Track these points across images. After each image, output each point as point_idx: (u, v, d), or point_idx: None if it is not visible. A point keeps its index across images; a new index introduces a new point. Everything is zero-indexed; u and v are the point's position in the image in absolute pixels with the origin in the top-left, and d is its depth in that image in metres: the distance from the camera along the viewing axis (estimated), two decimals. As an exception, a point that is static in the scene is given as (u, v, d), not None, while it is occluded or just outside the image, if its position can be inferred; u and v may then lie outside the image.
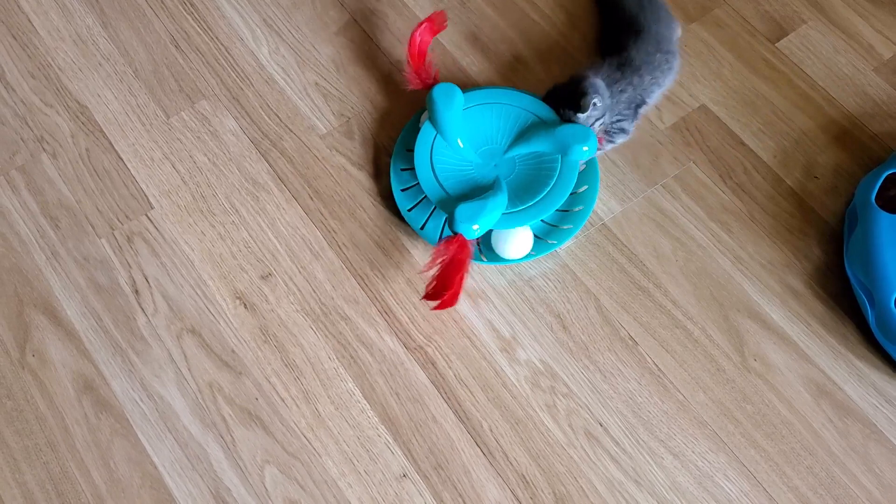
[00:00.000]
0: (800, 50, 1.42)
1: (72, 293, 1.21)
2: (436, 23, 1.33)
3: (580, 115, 1.22)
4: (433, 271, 1.14)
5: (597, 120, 1.23)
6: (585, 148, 1.20)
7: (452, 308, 1.20)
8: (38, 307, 1.20)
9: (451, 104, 1.25)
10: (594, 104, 1.21)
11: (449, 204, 1.20)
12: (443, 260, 1.14)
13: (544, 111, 1.27)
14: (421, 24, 1.30)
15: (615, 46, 1.32)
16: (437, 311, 1.19)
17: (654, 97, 1.32)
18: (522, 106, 1.28)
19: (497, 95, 1.30)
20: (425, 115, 1.30)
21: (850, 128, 1.35)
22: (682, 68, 1.40)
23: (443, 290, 1.13)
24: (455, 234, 1.15)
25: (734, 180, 1.30)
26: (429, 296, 1.14)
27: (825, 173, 1.31)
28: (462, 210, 1.16)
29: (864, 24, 1.44)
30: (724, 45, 1.42)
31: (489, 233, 1.22)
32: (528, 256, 1.22)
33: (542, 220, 1.23)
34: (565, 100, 1.23)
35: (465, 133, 1.26)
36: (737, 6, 1.46)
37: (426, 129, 1.26)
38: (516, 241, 1.20)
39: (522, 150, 1.25)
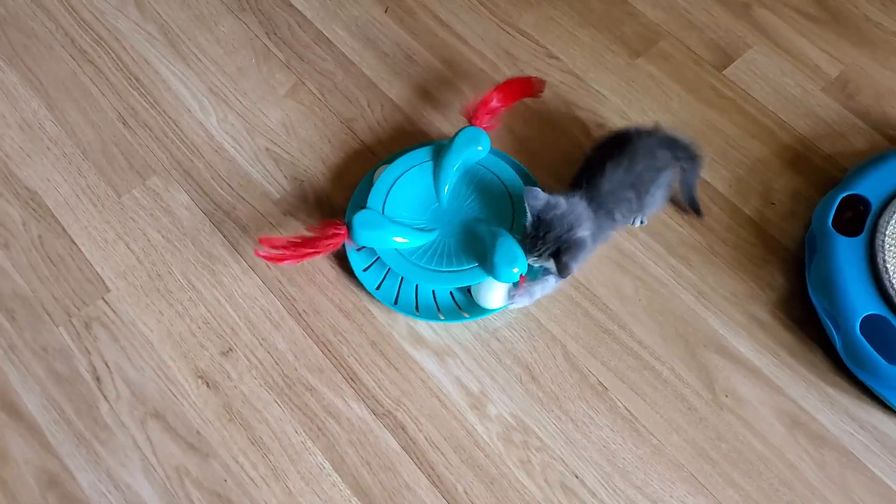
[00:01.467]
0: (747, 75, 1.42)
1: (31, 386, 1.19)
2: (530, 88, 1.32)
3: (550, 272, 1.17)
4: (302, 234, 1.19)
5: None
6: (515, 270, 1.15)
7: (419, 368, 1.19)
8: (-3, 403, 1.18)
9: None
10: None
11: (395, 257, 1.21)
12: (315, 233, 1.18)
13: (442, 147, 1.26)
14: (515, 82, 1.31)
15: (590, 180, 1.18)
16: (405, 372, 1.18)
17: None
18: (431, 157, 1.27)
19: (410, 160, 1.27)
20: (379, 171, 1.29)
21: (803, 150, 1.35)
22: (630, 104, 1.40)
23: (285, 248, 1.17)
24: (345, 225, 1.19)
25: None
26: (268, 241, 1.17)
27: (782, 199, 1.31)
28: (363, 216, 1.19)
29: (809, 44, 1.45)
30: (671, 77, 1.42)
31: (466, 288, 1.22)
32: (499, 308, 1.21)
33: (467, 290, 1.23)
34: (547, 242, 1.12)
35: (403, 216, 1.24)
36: (681, 37, 1.47)
37: (379, 185, 1.26)
38: (495, 292, 1.19)
39: (449, 183, 1.26)
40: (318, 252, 1.18)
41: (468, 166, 1.27)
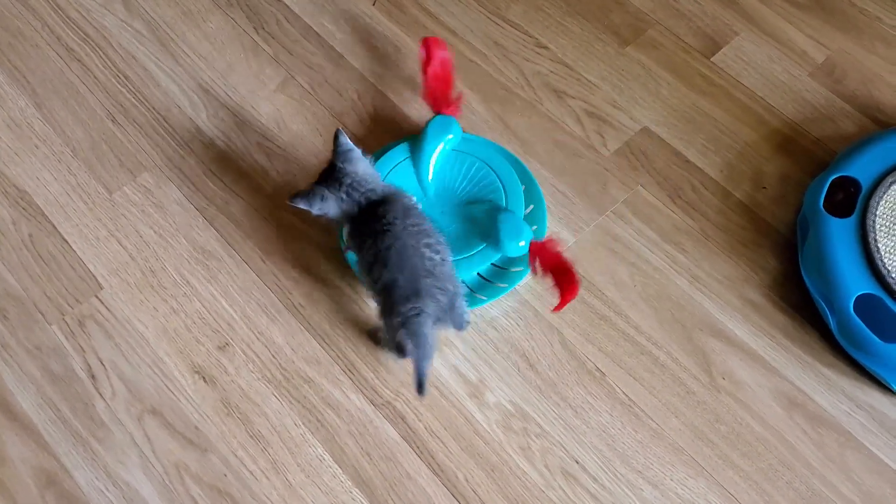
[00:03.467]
0: (735, 62, 1.43)
1: (26, 385, 1.18)
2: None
3: None
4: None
5: None
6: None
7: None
8: (-9, 404, 1.17)
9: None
10: None
11: None
12: (546, 266, 1.15)
13: (510, 179, 1.25)
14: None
15: None
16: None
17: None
18: (409, 153, 1.28)
19: (390, 160, 1.28)
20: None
21: (793, 135, 1.36)
22: (621, 92, 1.41)
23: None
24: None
25: (683, 199, 1.30)
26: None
27: (772, 183, 1.32)
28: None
29: (795, 30, 1.46)
30: (660, 64, 1.43)
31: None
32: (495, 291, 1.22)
33: (492, 264, 1.22)
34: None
35: (435, 169, 1.28)
36: (669, 25, 1.47)
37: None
38: None
39: (430, 172, 1.27)
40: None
41: (444, 154, 1.28)
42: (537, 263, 1.15)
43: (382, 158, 1.28)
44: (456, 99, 1.31)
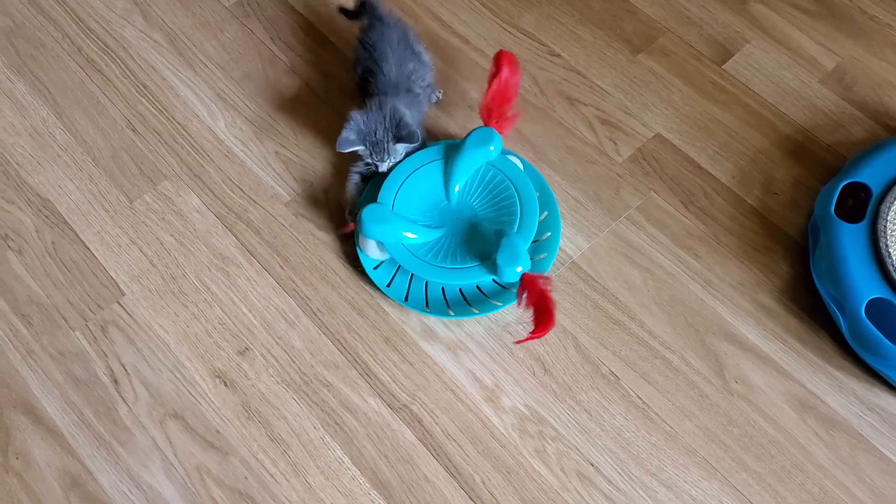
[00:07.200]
0: (746, 69, 1.45)
1: (50, 390, 1.21)
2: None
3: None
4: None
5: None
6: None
7: (433, 362, 1.21)
8: (17, 408, 1.20)
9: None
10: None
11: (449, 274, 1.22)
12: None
13: (524, 185, 1.26)
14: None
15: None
16: (420, 367, 1.20)
17: None
18: (442, 156, 1.30)
19: (419, 158, 1.30)
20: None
21: (804, 141, 1.37)
22: (633, 99, 1.42)
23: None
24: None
25: (696, 205, 1.32)
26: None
27: (784, 188, 1.33)
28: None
29: (805, 37, 1.48)
30: (672, 72, 1.45)
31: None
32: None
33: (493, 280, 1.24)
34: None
35: (412, 214, 1.26)
36: (680, 33, 1.49)
37: (389, 182, 1.28)
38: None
39: (459, 182, 1.27)
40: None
41: (479, 166, 1.28)
42: (525, 295, 1.14)
43: (414, 155, 1.30)
44: (511, 116, 1.29)
